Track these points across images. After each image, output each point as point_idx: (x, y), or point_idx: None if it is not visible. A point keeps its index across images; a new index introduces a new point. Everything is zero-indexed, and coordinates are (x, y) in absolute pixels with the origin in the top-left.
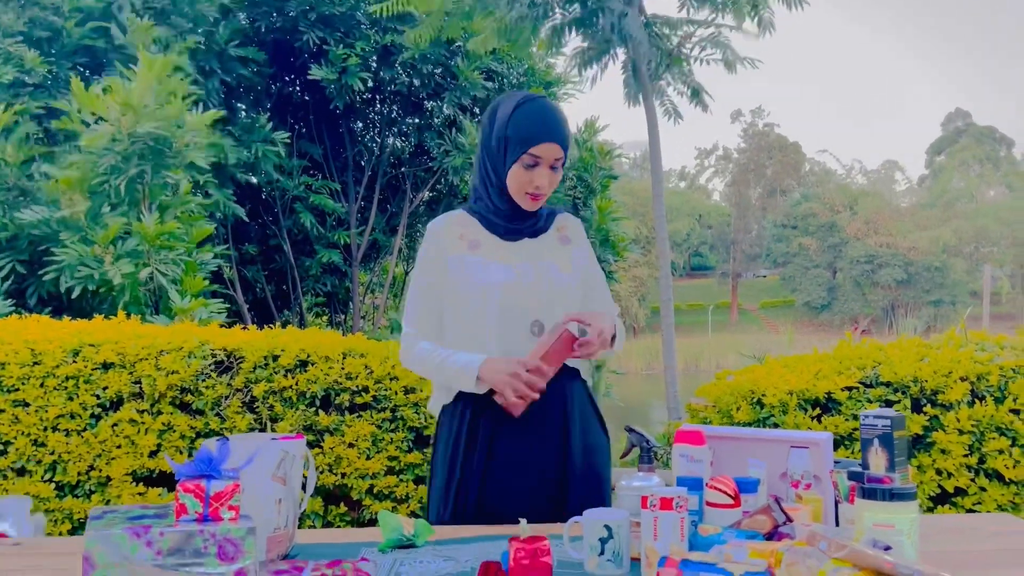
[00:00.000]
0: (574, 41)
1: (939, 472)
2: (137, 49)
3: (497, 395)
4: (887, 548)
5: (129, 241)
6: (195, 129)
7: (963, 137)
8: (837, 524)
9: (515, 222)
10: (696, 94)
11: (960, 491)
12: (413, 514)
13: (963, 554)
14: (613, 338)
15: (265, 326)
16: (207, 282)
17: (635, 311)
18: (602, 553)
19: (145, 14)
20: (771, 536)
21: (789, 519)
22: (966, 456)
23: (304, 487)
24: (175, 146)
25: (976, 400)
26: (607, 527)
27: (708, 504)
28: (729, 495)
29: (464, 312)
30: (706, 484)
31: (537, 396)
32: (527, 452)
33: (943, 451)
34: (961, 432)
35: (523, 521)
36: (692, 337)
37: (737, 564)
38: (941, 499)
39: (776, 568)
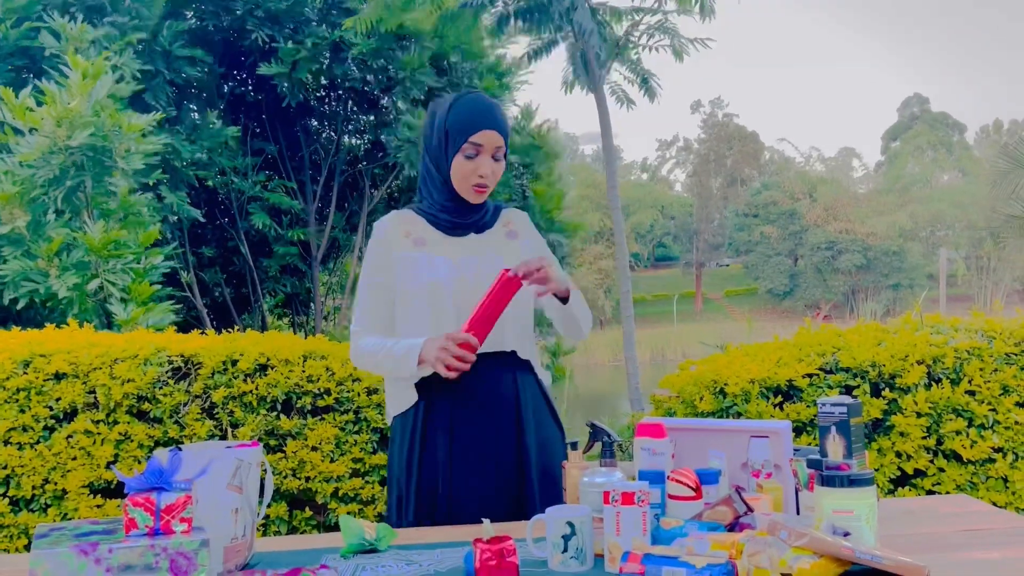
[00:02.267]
0: (518, 29)
1: (899, 455)
2: (67, 53)
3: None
4: (846, 534)
5: (75, 252)
6: (134, 132)
7: (917, 123)
8: (798, 512)
9: (460, 216)
10: (645, 82)
11: (920, 473)
12: (380, 516)
13: (922, 536)
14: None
15: (225, 330)
16: (157, 287)
17: (601, 303)
18: (565, 550)
19: (79, 14)
20: (733, 527)
21: (750, 509)
22: (924, 438)
23: (262, 494)
24: (115, 153)
25: (933, 383)
26: (570, 524)
27: (670, 497)
28: (691, 487)
29: (416, 311)
30: (668, 477)
31: (467, 367)
32: (483, 451)
33: (902, 434)
34: (919, 415)
35: (486, 522)
36: (658, 327)
37: (699, 557)
38: (901, 481)
39: (738, 559)
